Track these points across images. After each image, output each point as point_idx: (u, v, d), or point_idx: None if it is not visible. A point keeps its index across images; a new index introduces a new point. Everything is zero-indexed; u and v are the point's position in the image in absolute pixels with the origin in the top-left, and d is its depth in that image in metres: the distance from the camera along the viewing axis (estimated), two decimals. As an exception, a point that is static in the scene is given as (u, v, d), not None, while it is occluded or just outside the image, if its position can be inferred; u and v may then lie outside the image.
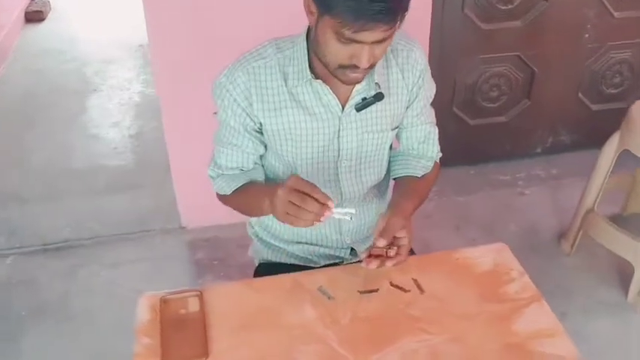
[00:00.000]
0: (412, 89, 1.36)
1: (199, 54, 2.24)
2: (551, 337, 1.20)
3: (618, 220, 2.48)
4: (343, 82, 1.21)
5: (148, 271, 2.43)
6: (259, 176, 1.40)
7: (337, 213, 1.14)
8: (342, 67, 1.17)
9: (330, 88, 1.28)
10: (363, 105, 1.30)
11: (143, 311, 1.28)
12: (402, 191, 1.39)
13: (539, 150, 3.05)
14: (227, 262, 2.44)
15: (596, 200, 2.28)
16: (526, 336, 1.20)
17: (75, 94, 3.82)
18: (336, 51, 1.14)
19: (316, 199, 1.11)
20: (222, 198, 1.43)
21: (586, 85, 2.90)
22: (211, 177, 1.42)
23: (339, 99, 1.30)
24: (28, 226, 2.69)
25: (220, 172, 1.39)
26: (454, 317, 1.24)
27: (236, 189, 1.37)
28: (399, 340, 1.19)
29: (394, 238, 1.25)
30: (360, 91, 1.30)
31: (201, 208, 2.27)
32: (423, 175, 1.44)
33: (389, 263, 1.23)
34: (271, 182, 1.42)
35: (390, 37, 1.12)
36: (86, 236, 2.63)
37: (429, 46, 2.49)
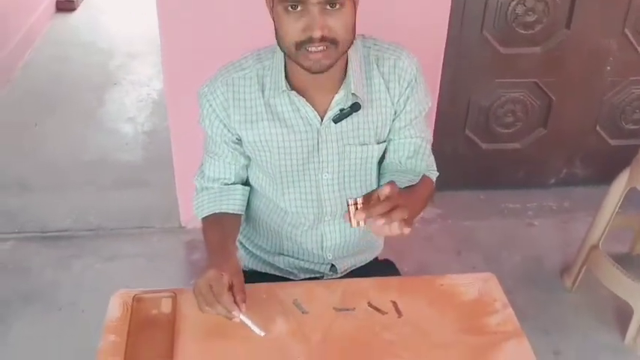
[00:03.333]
0: (398, 100, 1.30)
1: (208, 54, 2.21)
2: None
3: (625, 259, 2.41)
4: (307, 68, 1.16)
5: (141, 268, 2.42)
6: (237, 200, 1.38)
7: (245, 321, 1.17)
8: (298, 45, 1.13)
9: (307, 100, 1.25)
10: (340, 116, 1.26)
11: (114, 308, 1.28)
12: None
13: (552, 181, 2.97)
14: (221, 265, 2.41)
15: (601, 237, 2.21)
16: (500, 373, 1.15)
17: (96, 87, 3.86)
18: (287, 25, 1.12)
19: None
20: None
21: (605, 118, 2.82)
22: (196, 188, 1.42)
23: (317, 110, 1.26)
24: (31, 213, 2.70)
25: (203, 183, 1.40)
26: (429, 345, 1.20)
27: (205, 217, 1.38)
28: (368, 363, 1.15)
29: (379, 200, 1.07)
30: (338, 102, 1.26)
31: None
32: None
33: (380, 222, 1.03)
34: (249, 208, 1.45)
35: (341, 3, 1.10)
36: (86, 228, 2.63)
37: (443, 64, 2.45)
